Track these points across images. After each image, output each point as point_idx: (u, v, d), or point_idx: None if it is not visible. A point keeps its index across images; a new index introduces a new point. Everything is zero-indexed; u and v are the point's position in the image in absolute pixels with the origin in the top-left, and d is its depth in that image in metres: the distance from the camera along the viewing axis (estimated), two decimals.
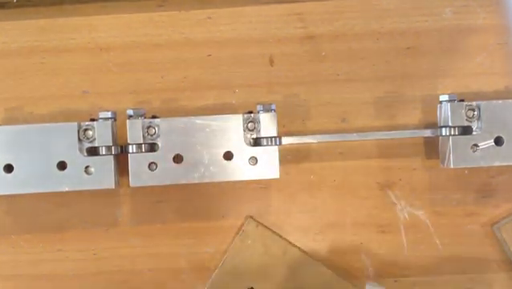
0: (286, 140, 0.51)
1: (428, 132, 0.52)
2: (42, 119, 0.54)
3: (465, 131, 0.50)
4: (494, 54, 0.55)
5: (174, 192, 0.54)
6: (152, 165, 0.50)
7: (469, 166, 0.51)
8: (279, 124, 0.52)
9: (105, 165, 0.49)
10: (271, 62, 0.55)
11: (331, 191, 0.55)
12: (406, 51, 0.55)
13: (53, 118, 0.54)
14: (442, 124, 0.52)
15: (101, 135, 0.49)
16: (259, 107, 0.50)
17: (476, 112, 0.50)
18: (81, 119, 0.50)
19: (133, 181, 0.50)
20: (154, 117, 0.50)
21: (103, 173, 0.49)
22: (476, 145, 0.50)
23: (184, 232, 0.55)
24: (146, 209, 0.54)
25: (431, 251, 0.55)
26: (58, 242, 0.54)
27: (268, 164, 0.50)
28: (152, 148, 0.50)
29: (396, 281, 0.55)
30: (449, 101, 0.51)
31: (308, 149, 0.55)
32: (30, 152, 0.49)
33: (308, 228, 0.55)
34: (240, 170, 0.50)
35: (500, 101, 0.51)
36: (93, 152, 0.49)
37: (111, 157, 0.49)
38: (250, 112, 0.50)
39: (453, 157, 0.50)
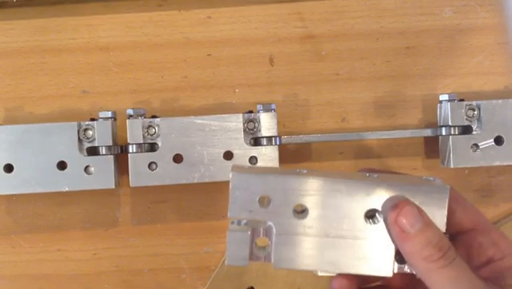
0: (286, 140, 0.51)
1: (428, 132, 0.52)
2: (42, 119, 0.53)
3: (465, 130, 0.50)
4: (494, 53, 0.55)
5: (174, 192, 0.54)
6: (152, 165, 0.50)
7: (469, 166, 0.51)
8: (279, 124, 0.52)
9: (105, 165, 0.49)
10: (271, 61, 0.55)
11: None
12: (406, 51, 0.55)
13: (53, 118, 0.54)
14: (442, 124, 0.52)
15: (101, 135, 0.49)
16: (259, 107, 0.50)
17: (476, 112, 0.50)
18: (81, 119, 0.50)
19: (133, 180, 0.50)
20: (154, 117, 0.50)
21: (103, 173, 0.49)
22: (476, 145, 0.50)
23: (184, 232, 0.55)
24: (146, 209, 0.54)
25: None
26: (58, 242, 0.54)
27: (268, 164, 0.50)
28: (152, 147, 0.50)
29: None
30: (449, 101, 0.51)
31: (308, 149, 0.55)
32: (30, 152, 0.49)
33: None
34: None
35: (500, 101, 0.51)
36: (93, 151, 0.49)
37: (111, 157, 0.49)
38: (250, 112, 0.50)
39: (453, 157, 0.50)
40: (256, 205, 0.37)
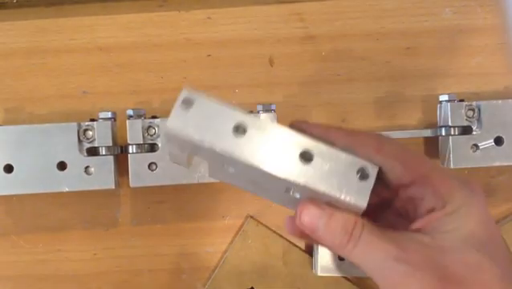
0: None
1: (428, 132, 0.52)
2: (42, 119, 0.53)
3: (465, 131, 0.50)
4: (494, 54, 0.55)
5: (174, 192, 0.54)
6: (152, 165, 0.50)
7: (469, 166, 0.51)
8: None
9: (105, 166, 0.49)
10: (271, 62, 0.55)
11: None
12: (406, 51, 0.55)
13: (53, 118, 0.54)
14: (442, 124, 0.52)
15: (101, 135, 0.49)
16: (259, 108, 0.50)
17: (476, 112, 0.50)
18: (81, 119, 0.50)
19: (133, 181, 0.50)
20: (154, 117, 0.50)
21: (103, 174, 0.49)
22: (476, 145, 0.50)
23: (184, 232, 0.55)
24: (146, 209, 0.54)
25: None
26: (58, 242, 0.54)
27: None
28: (152, 148, 0.50)
29: None
30: (449, 101, 0.51)
31: None
32: (30, 153, 0.49)
33: None
34: None
35: (500, 101, 0.51)
36: (93, 152, 0.49)
37: (111, 157, 0.49)
38: (250, 112, 0.50)
39: (452, 157, 0.50)
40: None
